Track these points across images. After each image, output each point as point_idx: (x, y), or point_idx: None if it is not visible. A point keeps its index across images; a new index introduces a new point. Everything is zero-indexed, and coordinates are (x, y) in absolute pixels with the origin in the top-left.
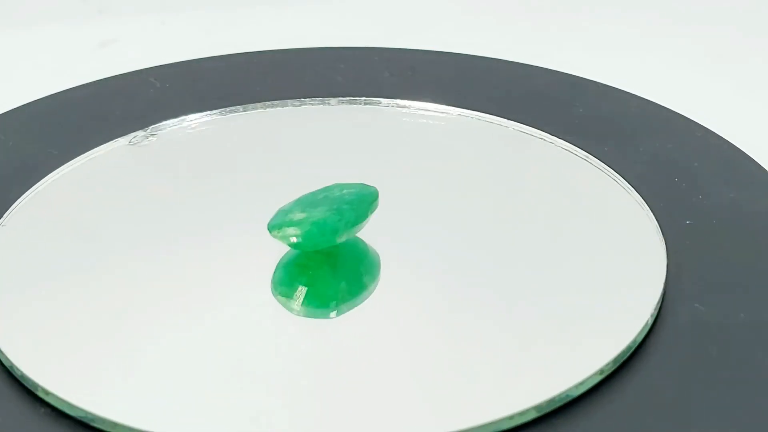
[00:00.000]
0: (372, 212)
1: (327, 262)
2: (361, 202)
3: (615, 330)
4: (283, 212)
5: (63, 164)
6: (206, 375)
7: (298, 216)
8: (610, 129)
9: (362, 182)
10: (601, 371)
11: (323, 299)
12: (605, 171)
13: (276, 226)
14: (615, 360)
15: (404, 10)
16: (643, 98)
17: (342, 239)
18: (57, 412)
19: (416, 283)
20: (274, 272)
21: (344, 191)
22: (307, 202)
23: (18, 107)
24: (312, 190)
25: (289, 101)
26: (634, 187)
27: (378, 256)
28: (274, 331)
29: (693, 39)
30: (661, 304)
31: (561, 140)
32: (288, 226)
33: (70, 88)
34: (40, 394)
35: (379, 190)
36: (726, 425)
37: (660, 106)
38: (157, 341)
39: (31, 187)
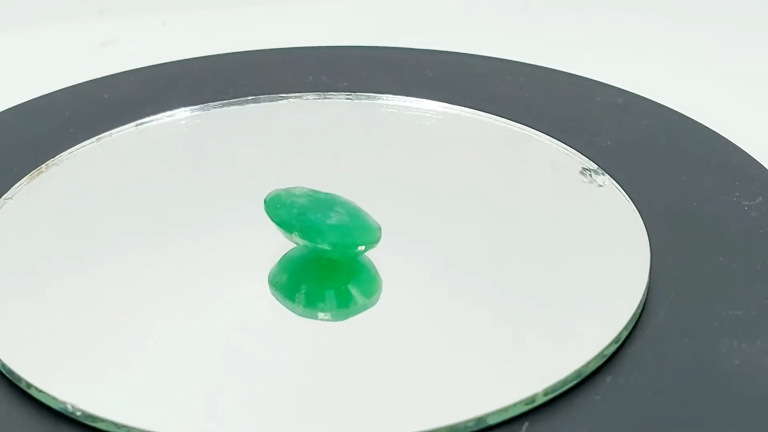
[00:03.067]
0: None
1: (317, 267)
2: (320, 234)
3: (602, 324)
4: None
5: (55, 156)
6: (201, 370)
7: (295, 191)
8: (608, 126)
9: (377, 223)
10: (584, 368)
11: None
12: (597, 170)
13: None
14: (601, 355)
15: (404, 10)
16: (644, 97)
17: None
18: (45, 408)
19: (410, 278)
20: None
21: (340, 213)
22: (312, 195)
23: (15, 106)
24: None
25: (288, 95)
26: (623, 186)
27: (365, 302)
28: (269, 326)
29: (693, 39)
30: (646, 298)
31: (556, 140)
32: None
33: (69, 87)
34: (23, 387)
35: (373, 188)
36: (711, 415)
37: (660, 104)
38: (150, 336)
39: (22, 178)
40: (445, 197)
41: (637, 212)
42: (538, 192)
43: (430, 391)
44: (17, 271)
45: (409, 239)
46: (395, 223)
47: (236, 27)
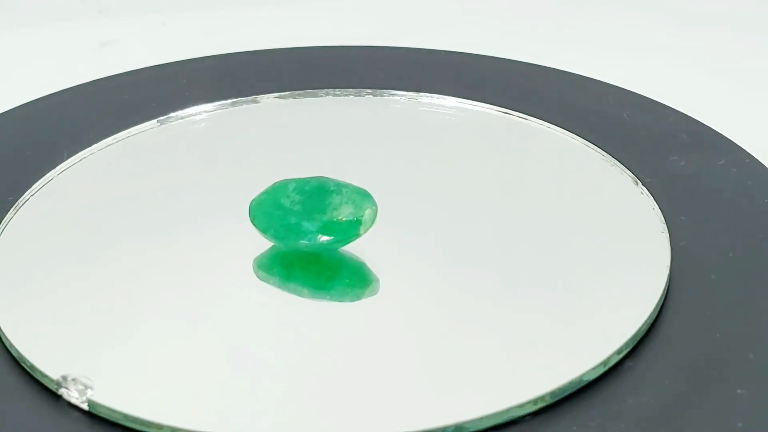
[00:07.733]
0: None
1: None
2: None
3: (622, 319)
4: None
5: (65, 159)
6: (206, 363)
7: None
8: (609, 120)
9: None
10: (619, 351)
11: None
12: (608, 160)
13: None
14: (626, 344)
15: (404, 10)
16: (651, 99)
17: None
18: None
19: (418, 273)
20: None
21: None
22: (313, 196)
23: (16, 107)
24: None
25: (290, 92)
26: (639, 177)
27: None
28: (274, 319)
29: (693, 39)
30: (667, 291)
31: (560, 128)
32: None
33: (68, 88)
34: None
35: (377, 178)
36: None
37: (661, 103)
38: (159, 331)
39: (24, 180)
40: (451, 188)
41: (658, 207)
42: (547, 183)
43: (439, 388)
44: (29, 270)
45: (418, 233)
46: (404, 216)
47: (236, 27)
